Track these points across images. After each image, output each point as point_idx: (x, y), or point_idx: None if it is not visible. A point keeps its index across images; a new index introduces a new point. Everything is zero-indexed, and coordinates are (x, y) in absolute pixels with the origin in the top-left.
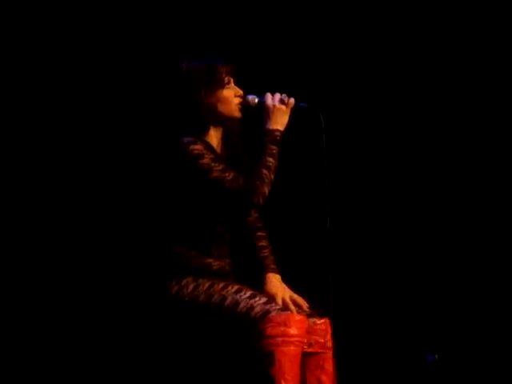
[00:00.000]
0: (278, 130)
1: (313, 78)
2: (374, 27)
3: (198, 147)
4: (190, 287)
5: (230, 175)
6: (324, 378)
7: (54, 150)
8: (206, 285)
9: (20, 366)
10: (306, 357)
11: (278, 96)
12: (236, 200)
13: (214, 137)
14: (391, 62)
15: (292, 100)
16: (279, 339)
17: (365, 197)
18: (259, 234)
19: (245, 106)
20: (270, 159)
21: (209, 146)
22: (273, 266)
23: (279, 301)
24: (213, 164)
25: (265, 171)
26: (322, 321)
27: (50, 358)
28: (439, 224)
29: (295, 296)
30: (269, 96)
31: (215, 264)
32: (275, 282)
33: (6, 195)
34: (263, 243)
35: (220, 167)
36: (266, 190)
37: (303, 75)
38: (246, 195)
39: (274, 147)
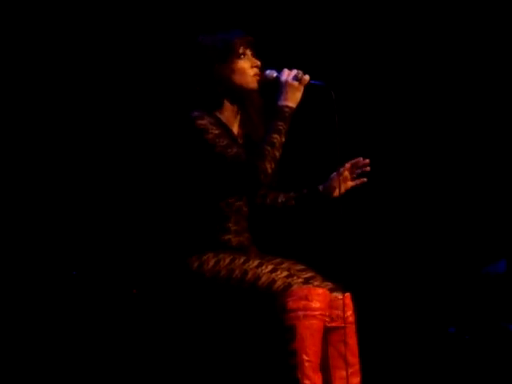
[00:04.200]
0: (287, 106)
1: (332, 57)
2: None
3: (204, 122)
4: (211, 262)
5: (232, 151)
6: (347, 352)
7: (68, 129)
8: (227, 260)
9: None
10: (328, 331)
11: (293, 72)
12: (238, 176)
13: (230, 111)
14: (404, 49)
15: (307, 77)
16: (301, 313)
17: (376, 175)
18: (265, 197)
19: (263, 80)
20: (276, 135)
21: (217, 121)
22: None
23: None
24: (216, 139)
25: (268, 147)
26: (344, 295)
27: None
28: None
29: None
30: (285, 71)
31: (234, 240)
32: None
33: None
34: (277, 196)
35: (224, 143)
36: (269, 167)
37: (324, 53)
38: (247, 172)
39: (281, 123)
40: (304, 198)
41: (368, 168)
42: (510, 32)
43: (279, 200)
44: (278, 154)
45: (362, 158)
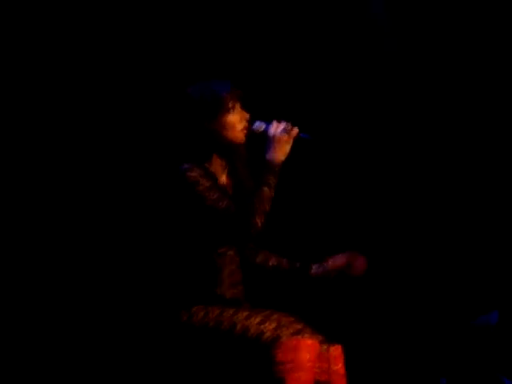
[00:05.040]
0: (276, 160)
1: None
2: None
3: (194, 174)
4: (200, 314)
5: (223, 204)
6: None
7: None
8: (216, 312)
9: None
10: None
11: (282, 125)
12: (229, 229)
13: (219, 164)
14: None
15: (295, 130)
16: (290, 365)
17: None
18: (255, 254)
19: (251, 132)
20: (266, 189)
21: (207, 173)
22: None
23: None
24: (207, 192)
25: (258, 202)
26: (335, 347)
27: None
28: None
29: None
30: (274, 124)
31: (228, 293)
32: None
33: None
34: (269, 258)
35: (215, 196)
36: (259, 221)
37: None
38: (237, 226)
39: (270, 177)
40: (295, 273)
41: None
42: (510, 32)
43: (270, 263)
44: (267, 207)
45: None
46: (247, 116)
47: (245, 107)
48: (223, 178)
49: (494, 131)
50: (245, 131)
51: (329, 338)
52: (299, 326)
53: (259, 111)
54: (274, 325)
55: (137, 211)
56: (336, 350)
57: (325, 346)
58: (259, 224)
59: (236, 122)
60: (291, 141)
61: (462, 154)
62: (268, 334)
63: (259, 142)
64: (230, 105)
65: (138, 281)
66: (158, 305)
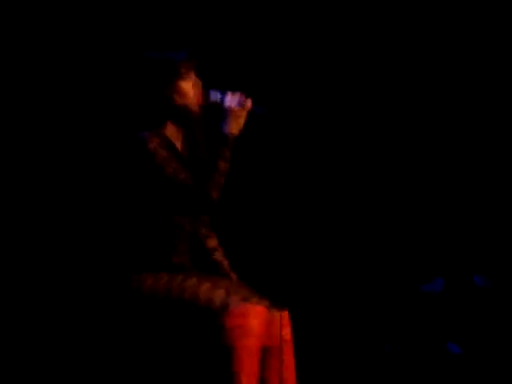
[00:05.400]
0: (231, 134)
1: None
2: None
3: (153, 144)
4: (149, 281)
5: (181, 175)
6: (284, 370)
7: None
8: (165, 279)
9: None
10: (266, 350)
11: (237, 97)
12: (185, 201)
13: (174, 129)
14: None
15: (249, 103)
16: (239, 331)
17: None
18: (205, 232)
19: (206, 102)
20: (222, 162)
21: (165, 142)
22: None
23: None
24: (165, 163)
25: (215, 175)
26: (282, 313)
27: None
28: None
29: None
30: (228, 96)
31: (176, 260)
32: None
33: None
34: (213, 244)
35: (173, 166)
36: (215, 194)
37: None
38: (194, 197)
39: (226, 150)
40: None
41: None
42: (510, 32)
43: (214, 256)
44: (223, 180)
45: None
46: (200, 83)
47: (200, 77)
48: (178, 144)
49: (494, 128)
50: (199, 98)
51: (276, 304)
52: (247, 293)
53: (212, 79)
54: (222, 291)
55: (95, 176)
56: (283, 316)
57: (272, 312)
58: (215, 196)
59: (189, 88)
60: (245, 114)
61: (460, 148)
62: (217, 300)
63: (214, 112)
64: (183, 71)
65: (91, 244)
66: (109, 270)
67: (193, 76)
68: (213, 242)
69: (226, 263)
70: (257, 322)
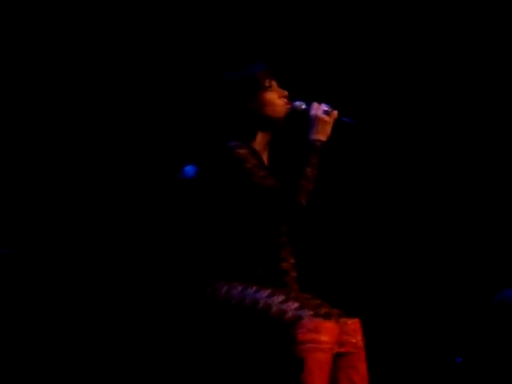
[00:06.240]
0: (319, 141)
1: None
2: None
3: (242, 151)
4: (223, 290)
5: (269, 182)
6: (356, 378)
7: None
8: (239, 288)
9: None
10: (337, 357)
11: (323, 106)
12: (272, 207)
13: (262, 143)
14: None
15: (336, 112)
16: (310, 345)
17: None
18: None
19: (292, 109)
20: (309, 169)
21: (253, 152)
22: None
23: None
24: (255, 169)
25: (302, 181)
26: (353, 321)
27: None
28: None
29: None
30: (315, 105)
31: (261, 271)
32: None
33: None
34: (285, 254)
35: (261, 173)
36: (303, 200)
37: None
38: (282, 204)
39: (313, 157)
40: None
41: None
42: (510, 32)
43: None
44: (311, 186)
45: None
46: (286, 93)
47: (282, 86)
48: (265, 157)
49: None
50: (285, 106)
51: (347, 312)
52: (318, 304)
53: (296, 93)
54: (295, 305)
55: (177, 186)
56: (355, 323)
57: (343, 320)
58: (303, 203)
59: (275, 98)
60: (332, 122)
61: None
62: (290, 313)
63: (300, 121)
64: (267, 83)
65: (171, 254)
66: (186, 276)
67: (275, 86)
68: (286, 253)
69: (293, 273)
70: (327, 338)
